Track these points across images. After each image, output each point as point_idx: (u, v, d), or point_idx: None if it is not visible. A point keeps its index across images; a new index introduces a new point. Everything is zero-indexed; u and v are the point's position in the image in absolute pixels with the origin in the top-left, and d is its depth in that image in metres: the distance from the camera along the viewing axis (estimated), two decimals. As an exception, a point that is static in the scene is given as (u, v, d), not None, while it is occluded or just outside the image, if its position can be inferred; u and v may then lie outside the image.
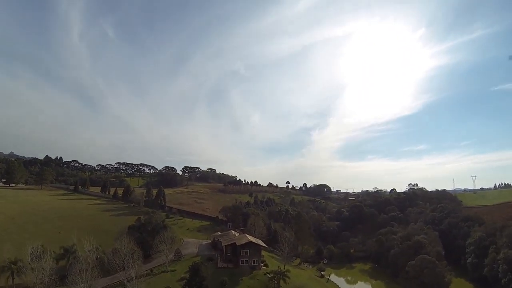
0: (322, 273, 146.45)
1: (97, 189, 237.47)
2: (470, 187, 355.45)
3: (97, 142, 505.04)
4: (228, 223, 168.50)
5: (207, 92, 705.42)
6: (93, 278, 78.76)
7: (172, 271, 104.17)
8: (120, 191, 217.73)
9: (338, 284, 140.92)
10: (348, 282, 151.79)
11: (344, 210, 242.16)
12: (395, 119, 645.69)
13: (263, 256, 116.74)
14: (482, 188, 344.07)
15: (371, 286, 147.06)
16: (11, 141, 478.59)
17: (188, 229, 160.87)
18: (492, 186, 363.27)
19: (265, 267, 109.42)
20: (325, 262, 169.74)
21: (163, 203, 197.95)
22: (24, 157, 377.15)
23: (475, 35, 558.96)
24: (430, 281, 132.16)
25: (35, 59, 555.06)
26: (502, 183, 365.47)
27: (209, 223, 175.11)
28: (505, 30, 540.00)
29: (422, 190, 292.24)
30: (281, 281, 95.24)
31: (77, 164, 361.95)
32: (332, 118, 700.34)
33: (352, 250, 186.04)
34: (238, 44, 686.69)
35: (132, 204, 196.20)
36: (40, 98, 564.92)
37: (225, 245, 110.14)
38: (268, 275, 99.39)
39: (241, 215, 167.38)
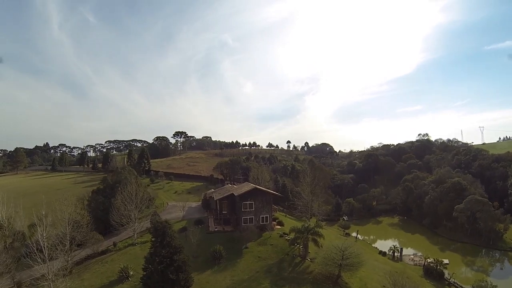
0: (346, 231, 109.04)
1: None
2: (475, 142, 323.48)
3: (91, 130, 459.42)
4: (226, 182, 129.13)
5: (197, 67, 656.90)
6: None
7: (143, 243, 65.54)
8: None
9: (369, 243, 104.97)
10: (379, 239, 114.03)
11: (356, 161, 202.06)
12: (388, 81, 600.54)
13: (275, 211, 77.15)
14: (484, 143, 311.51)
15: (411, 241, 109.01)
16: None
17: (175, 192, 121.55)
18: (495, 141, 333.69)
19: (279, 226, 70.33)
20: (345, 218, 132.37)
21: (148, 167, 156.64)
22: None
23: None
24: (485, 227, 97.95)
25: (18, 57, 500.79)
26: (506, 137, 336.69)
27: (201, 183, 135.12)
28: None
29: (429, 140, 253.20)
30: (311, 244, 55.97)
31: (65, 148, 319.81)
32: (325, 82, 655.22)
33: (374, 203, 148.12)
34: (223, 15, 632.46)
35: (114, 174, 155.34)
36: (28, 95, 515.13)
37: (219, 199, 70.20)
38: (288, 237, 60.34)
39: (240, 169, 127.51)
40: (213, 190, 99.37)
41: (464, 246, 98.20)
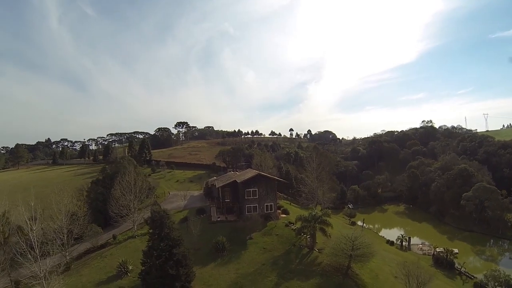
0: (352, 219, 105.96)
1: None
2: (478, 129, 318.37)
3: (93, 125, 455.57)
4: (228, 169, 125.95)
5: (197, 57, 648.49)
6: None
7: (143, 235, 62.03)
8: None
9: (375, 232, 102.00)
10: (385, 227, 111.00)
11: (360, 148, 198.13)
12: (391, 68, 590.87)
13: (280, 199, 73.44)
14: (487, 130, 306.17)
15: (418, 230, 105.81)
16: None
17: (177, 180, 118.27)
18: (499, 128, 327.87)
19: (284, 215, 67.00)
20: (350, 206, 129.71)
21: (149, 157, 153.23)
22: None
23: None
24: (494, 216, 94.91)
25: (17, 53, 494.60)
26: (510, 124, 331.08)
27: (204, 172, 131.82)
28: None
29: (433, 126, 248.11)
30: (318, 234, 52.70)
31: (66, 143, 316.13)
32: (326, 70, 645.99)
33: (379, 190, 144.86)
34: (223, 4, 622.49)
35: (113, 164, 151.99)
36: (29, 91, 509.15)
37: (221, 187, 66.60)
38: (294, 227, 57.17)
39: (243, 157, 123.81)
40: (215, 178, 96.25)
41: (472, 235, 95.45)
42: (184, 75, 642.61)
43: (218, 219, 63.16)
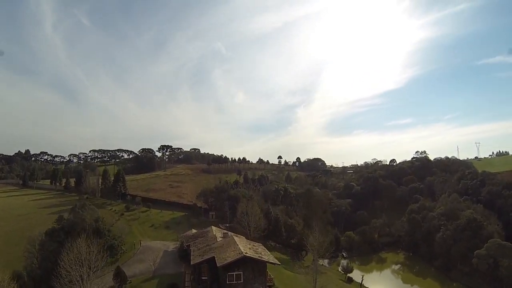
0: (349, 275, 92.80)
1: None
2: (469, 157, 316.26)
3: (81, 135, 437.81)
4: (210, 213, 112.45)
5: (189, 75, 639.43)
6: None
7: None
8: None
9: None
10: (386, 286, 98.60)
11: (354, 184, 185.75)
12: (380, 94, 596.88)
13: (270, 280, 58.07)
14: (477, 157, 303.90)
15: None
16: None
17: (152, 225, 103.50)
18: (488, 155, 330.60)
19: (275, 299, 52.97)
20: (344, 255, 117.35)
21: (124, 191, 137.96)
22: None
23: (459, 8, 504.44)
24: (509, 275, 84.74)
25: (9, 56, 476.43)
26: (499, 151, 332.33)
27: (183, 214, 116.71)
28: (488, 4, 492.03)
29: (429, 159, 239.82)
30: None
31: (46, 156, 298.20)
32: (316, 94, 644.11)
33: (376, 235, 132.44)
34: (217, 24, 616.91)
35: (86, 196, 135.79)
36: (19, 95, 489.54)
37: (196, 264, 52.86)
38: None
39: (227, 200, 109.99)
40: (194, 231, 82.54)
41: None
42: (175, 92, 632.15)
43: (192, 305, 49.21)
